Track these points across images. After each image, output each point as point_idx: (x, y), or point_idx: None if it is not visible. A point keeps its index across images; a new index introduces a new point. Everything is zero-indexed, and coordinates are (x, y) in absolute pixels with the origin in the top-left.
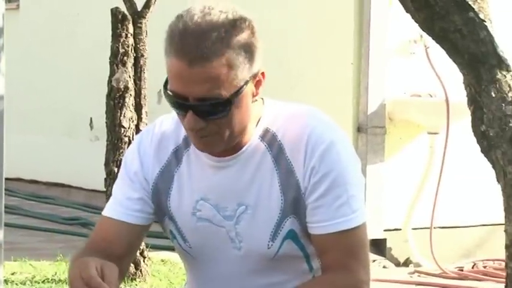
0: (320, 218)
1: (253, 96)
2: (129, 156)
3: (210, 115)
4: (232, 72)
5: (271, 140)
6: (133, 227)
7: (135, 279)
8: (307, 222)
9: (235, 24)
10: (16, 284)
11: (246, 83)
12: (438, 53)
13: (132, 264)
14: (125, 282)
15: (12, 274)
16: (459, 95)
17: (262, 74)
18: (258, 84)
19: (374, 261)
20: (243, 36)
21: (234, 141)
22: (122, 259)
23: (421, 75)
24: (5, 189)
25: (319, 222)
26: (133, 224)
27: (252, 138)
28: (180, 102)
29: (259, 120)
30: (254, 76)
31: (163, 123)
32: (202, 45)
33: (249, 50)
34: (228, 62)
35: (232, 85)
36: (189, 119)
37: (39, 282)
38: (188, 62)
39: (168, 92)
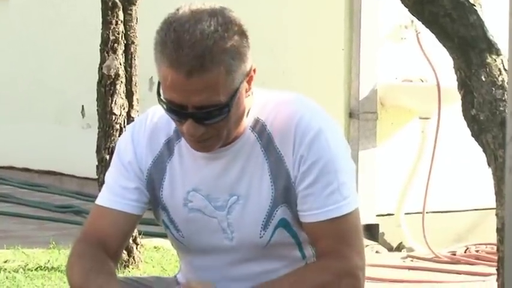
0: (311, 206)
1: (247, 91)
2: (122, 145)
3: (209, 120)
4: (230, 78)
5: (260, 130)
6: (130, 216)
7: (128, 266)
8: (298, 210)
9: (226, 28)
10: (9, 271)
11: (241, 83)
12: (429, 38)
13: (125, 252)
14: (118, 270)
15: (5, 262)
16: (450, 80)
17: (254, 70)
18: (250, 80)
19: (367, 246)
20: (235, 39)
21: (230, 138)
22: (118, 249)
23: (412, 60)
24: None
25: (310, 210)
26: (130, 214)
27: (244, 129)
28: (178, 111)
29: (249, 110)
30: (247, 74)
31: (155, 113)
32: (199, 55)
33: (241, 51)
34: (226, 69)
35: (230, 88)
36: (189, 126)
37: (32, 270)
38: (186, 73)
39: (163, 99)
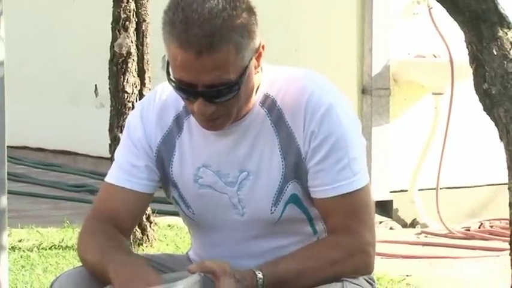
0: (322, 182)
1: (256, 68)
2: (132, 123)
3: (219, 98)
4: (239, 56)
5: (270, 106)
6: (141, 195)
7: (142, 244)
8: (309, 186)
9: (234, 6)
10: (23, 250)
11: (250, 61)
12: (442, 13)
13: (138, 230)
14: (131, 248)
15: (20, 241)
16: (463, 55)
17: (263, 46)
18: (259, 57)
19: (381, 222)
20: (243, 16)
21: (240, 115)
22: (129, 228)
23: (425, 36)
24: (12, 158)
25: (321, 186)
26: (140, 192)
27: (253, 105)
28: (188, 90)
29: (258, 86)
30: (256, 51)
31: (164, 90)
32: (208, 34)
33: (250, 28)
34: (235, 47)
35: (240, 66)
36: (200, 105)
37: (46, 249)
38: (196, 53)
39: (173, 79)
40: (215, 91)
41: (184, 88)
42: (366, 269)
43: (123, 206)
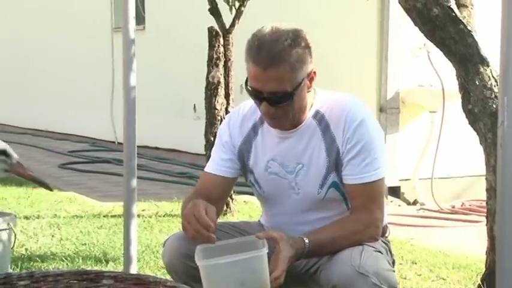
0: (351, 173)
1: (308, 88)
2: (222, 129)
3: (278, 103)
4: (294, 74)
5: (320, 119)
6: (225, 178)
7: (226, 215)
8: (342, 175)
9: (294, 41)
10: (145, 217)
11: (303, 80)
12: (437, 55)
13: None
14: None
15: (143, 211)
16: (451, 85)
17: (314, 72)
18: (311, 80)
19: (391, 201)
20: (299, 48)
21: (295, 120)
22: (218, 202)
23: (424, 71)
24: (138, 154)
25: (351, 176)
26: (224, 177)
27: (307, 117)
28: (257, 95)
29: (312, 104)
30: (308, 75)
31: (244, 107)
32: (272, 56)
33: (304, 57)
34: (290, 67)
35: (294, 82)
36: (264, 106)
37: (161, 216)
38: (263, 67)
39: (248, 87)
40: (275, 97)
41: (255, 94)
42: (376, 236)
43: (213, 186)
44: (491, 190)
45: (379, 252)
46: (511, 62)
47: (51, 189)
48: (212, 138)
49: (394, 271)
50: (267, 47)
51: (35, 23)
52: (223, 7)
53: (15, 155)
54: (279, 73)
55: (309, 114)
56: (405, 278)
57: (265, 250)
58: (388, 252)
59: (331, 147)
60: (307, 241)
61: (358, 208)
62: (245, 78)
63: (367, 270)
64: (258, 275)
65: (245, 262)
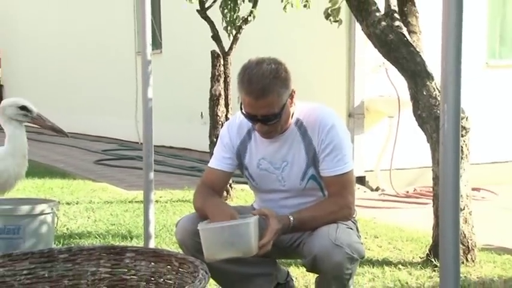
0: (326, 167)
1: (290, 104)
2: (223, 133)
3: (270, 122)
4: (280, 99)
5: (300, 125)
6: (225, 172)
7: (226, 200)
8: (319, 169)
9: (277, 69)
10: (161, 202)
11: (287, 100)
12: (393, 71)
13: (225, 192)
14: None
15: (160, 197)
16: (405, 95)
17: (294, 91)
18: (292, 98)
19: (358, 188)
20: (282, 76)
21: (282, 130)
22: (220, 190)
23: (383, 84)
24: (155, 151)
25: (327, 169)
26: (225, 171)
27: (290, 125)
28: (252, 118)
29: (293, 114)
30: (290, 94)
31: (240, 115)
32: (261, 88)
33: (286, 82)
34: (278, 94)
35: (281, 104)
36: (259, 126)
37: (175, 201)
38: (254, 98)
39: (243, 112)
40: (267, 119)
41: (250, 117)
42: (349, 216)
43: (216, 178)
44: (436, 178)
45: (351, 228)
46: (449, 77)
47: (67, 136)
48: (215, 139)
49: (362, 243)
50: (256, 81)
51: (78, 49)
52: (223, 34)
53: (35, 109)
54: (268, 101)
55: (292, 121)
56: (369, 249)
57: (252, 220)
58: (356, 229)
59: (309, 148)
60: (292, 218)
61: (334, 194)
62: (239, 104)
63: (342, 243)
64: (244, 238)
65: (233, 227)
